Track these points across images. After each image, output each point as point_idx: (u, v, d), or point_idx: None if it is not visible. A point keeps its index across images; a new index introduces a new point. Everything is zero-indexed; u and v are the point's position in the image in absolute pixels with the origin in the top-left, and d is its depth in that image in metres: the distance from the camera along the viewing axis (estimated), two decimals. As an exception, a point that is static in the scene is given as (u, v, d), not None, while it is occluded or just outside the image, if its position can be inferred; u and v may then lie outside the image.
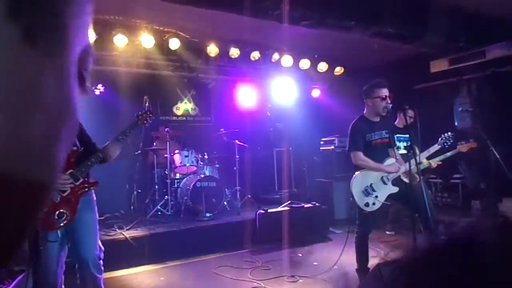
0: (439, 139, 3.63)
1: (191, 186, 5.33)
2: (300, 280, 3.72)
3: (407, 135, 3.95)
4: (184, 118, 6.97)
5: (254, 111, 6.92)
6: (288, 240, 4.83)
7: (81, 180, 2.34)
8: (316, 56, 6.48)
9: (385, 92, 3.34)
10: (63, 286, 2.40)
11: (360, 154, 3.32)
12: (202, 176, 5.58)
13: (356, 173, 3.38)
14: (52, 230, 2.23)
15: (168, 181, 5.62)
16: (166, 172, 5.72)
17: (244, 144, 6.17)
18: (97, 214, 2.51)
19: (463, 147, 3.74)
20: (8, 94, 0.27)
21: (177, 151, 5.84)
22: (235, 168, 6.01)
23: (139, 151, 5.89)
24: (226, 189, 5.85)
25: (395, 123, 4.35)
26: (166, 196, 5.59)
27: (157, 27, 5.19)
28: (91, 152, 2.44)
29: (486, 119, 5.33)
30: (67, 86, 0.31)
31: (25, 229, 0.30)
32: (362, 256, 3.40)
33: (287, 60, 6.18)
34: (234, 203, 5.95)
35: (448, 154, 3.74)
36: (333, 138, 6.41)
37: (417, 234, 2.95)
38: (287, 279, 3.74)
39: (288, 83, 6.86)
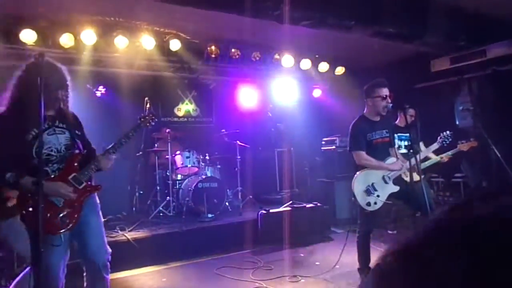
0: (438, 137, 3.65)
1: (193, 187, 5.34)
2: (302, 280, 3.72)
3: (408, 134, 3.95)
4: (185, 119, 6.98)
5: (255, 112, 6.92)
6: (290, 240, 4.83)
7: (84, 184, 2.34)
8: (317, 56, 6.47)
9: (385, 91, 3.34)
10: None
11: (363, 154, 3.33)
12: (204, 177, 5.59)
13: (357, 172, 3.38)
14: (56, 234, 2.23)
15: (170, 182, 5.63)
16: (168, 173, 5.73)
17: (246, 145, 6.17)
18: (102, 217, 2.51)
19: (463, 146, 3.75)
20: None
21: (178, 152, 5.85)
22: (236, 168, 6.01)
23: (141, 153, 5.90)
24: (227, 190, 5.85)
25: (396, 122, 4.35)
26: (167, 197, 5.60)
27: (157, 29, 5.20)
28: (93, 156, 2.45)
29: (487, 118, 5.32)
30: None
31: None
32: (363, 255, 3.40)
33: (288, 60, 6.19)
34: (236, 203, 5.95)
35: (449, 153, 3.75)
36: (334, 138, 6.40)
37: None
38: (289, 279, 3.74)
39: (289, 83, 6.86)
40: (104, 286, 2.43)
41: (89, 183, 2.39)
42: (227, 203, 5.73)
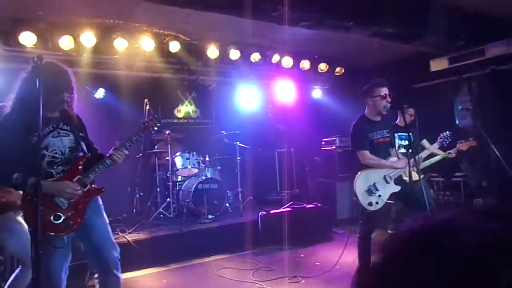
0: (438, 137, 3.67)
1: (193, 188, 5.34)
2: (302, 281, 3.72)
3: (407, 134, 3.96)
4: (185, 120, 6.99)
5: (255, 113, 6.92)
6: (290, 241, 4.83)
7: (88, 187, 2.36)
8: (316, 56, 6.48)
9: (385, 90, 3.36)
10: None
11: (368, 153, 3.34)
12: (204, 178, 5.59)
13: (359, 172, 3.38)
14: (59, 236, 2.24)
15: (170, 183, 5.64)
16: (168, 174, 5.73)
17: (246, 146, 6.17)
18: (106, 217, 2.53)
19: (463, 146, 3.76)
20: None
21: (178, 153, 5.85)
22: (236, 169, 6.02)
23: (141, 154, 5.90)
24: (228, 191, 5.86)
25: (396, 122, 4.36)
26: (168, 199, 5.60)
27: (157, 30, 5.20)
28: (97, 158, 2.46)
29: (487, 117, 5.33)
30: None
31: None
32: (364, 255, 3.40)
33: (287, 61, 6.19)
34: (236, 204, 5.95)
35: (455, 149, 3.77)
36: (334, 138, 6.41)
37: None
38: (289, 280, 3.74)
39: (289, 84, 6.86)
40: (117, 284, 2.45)
41: (92, 185, 2.41)
42: (227, 204, 5.74)
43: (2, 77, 4.75)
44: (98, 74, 5.46)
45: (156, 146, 6.02)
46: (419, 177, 3.21)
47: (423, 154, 3.72)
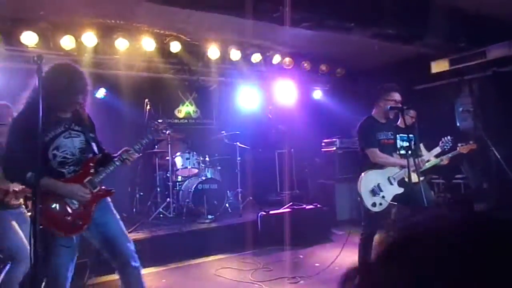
0: (440, 142, 3.69)
1: (193, 189, 5.35)
2: (301, 281, 3.71)
3: (407, 135, 3.97)
4: (186, 120, 6.99)
5: (256, 113, 6.93)
6: (290, 241, 4.82)
7: (98, 188, 2.39)
8: (317, 57, 6.48)
9: (397, 96, 3.40)
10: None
11: (378, 151, 3.35)
12: (204, 178, 5.59)
13: (363, 172, 3.39)
14: (68, 235, 2.27)
15: (170, 183, 5.64)
16: (168, 174, 5.74)
17: (246, 146, 6.18)
18: (117, 213, 2.57)
19: (463, 149, 3.76)
20: None
21: (178, 153, 5.86)
22: (236, 170, 6.02)
23: (141, 154, 5.90)
24: (227, 191, 5.86)
25: (397, 123, 4.36)
26: (168, 199, 5.60)
27: (157, 31, 5.22)
28: (106, 158, 2.49)
29: (488, 119, 5.32)
30: None
31: None
32: (364, 257, 3.39)
33: (288, 62, 6.20)
34: (236, 205, 5.95)
35: (449, 154, 3.77)
36: (335, 140, 6.41)
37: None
38: (288, 280, 3.74)
39: (289, 84, 6.87)
40: (137, 275, 2.49)
41: (102, 187, 2.44)
42: (227, 205, 5.74)
43: (3, 76, 4.77)
44: (99, 74, 5.47)
45: (156, 146, 6.03)
46: (419, 179, 3.21)
47: (425, 157, 3.73)
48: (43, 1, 4.27)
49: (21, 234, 2.74)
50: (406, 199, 3.34)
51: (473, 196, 5.61)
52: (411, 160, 3.10)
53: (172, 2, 3.77)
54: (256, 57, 5.97)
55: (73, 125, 2.40)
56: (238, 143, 6.07)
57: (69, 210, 2.28)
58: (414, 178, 3.15)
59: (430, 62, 5.96)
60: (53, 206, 2.24)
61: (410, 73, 6.04)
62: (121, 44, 5.01)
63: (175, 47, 5.34)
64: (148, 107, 5.43)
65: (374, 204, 3.27)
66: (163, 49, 5.40)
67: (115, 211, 2.56)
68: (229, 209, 5.81)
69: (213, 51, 5.62)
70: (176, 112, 6.89)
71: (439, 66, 5.88)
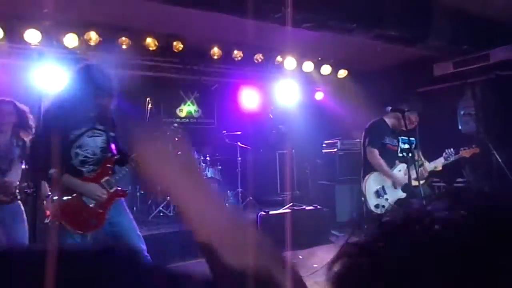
0: (443, 153, 3.71)
1: (193, 188, 5.34)
2: (300, 283, 3.70)
3: (407, 138, 3.97)
4: (187, 120, 7.01)
5: (257, 114, 6.93)
6: (290, 242, 4.80)
7: (114, 188, 2.41)
8: (319, 59, 6.47)
9: (416, 118, 3.39)
10: None
11: (377, 153, 3.37)
12: (204, 178, 5.60)
13: (370, 173, 3.39)
14: (84, 233, 2.31)
15: (171, 182, 5.64)
16: (169, 173, 5.74)
17: (247, 146, 6.18)
18: (130, 213, 2.60)
19: (466, 153, 3.76)
20: None
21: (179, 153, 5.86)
22: (237, 170, 6.02)
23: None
24: (228, 191, 5.86)
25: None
26: (168, 197, 5.61)
27: (160, 30, 5.23)
28: (123, 157, 2.51)
29: (490, 123, 5.29)
30: None
31: None
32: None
33: (290, 62, 6.19)
34: (236, 204, 5.95)
35: (443, 161, 3.79)
36: (336, 141, 6.39)
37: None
38: (287, 282, 3.73)
39: (291, 85, 6.86)
40: None
41: (118, 188, 2.46)
42: (227, 204, 5.72)
43: (5, 73, 4.79)
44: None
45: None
46: (419, 183, 3.21)
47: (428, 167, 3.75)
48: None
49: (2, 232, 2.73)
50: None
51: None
52: (410, 163, 3.10)
53: (174, 1, 3.77)
54: (258, 58, 5.96)
55: (97, 123, 2.43)
56: (239, 143, 6.07)
57: (86, 208, 2.31)
58: (415, 182, 3.16)
59: (433, 64, 5.93)
60: (72, 203, 2.26)
61: (413, 75, 6.02)
62: (123, 43, 5.02)
63: (177, 46, 5.34)
64: (149, 106, 5.44)
65: (377, 206, 3.27)
66: (165, 49, 5.41)
67: (128, 211, 2.59)
68: (229, 209, 5.81)
69: (215, 51, 5.62)
70: (177, 111, 6.90)
71: (442, 69, 5.86)
